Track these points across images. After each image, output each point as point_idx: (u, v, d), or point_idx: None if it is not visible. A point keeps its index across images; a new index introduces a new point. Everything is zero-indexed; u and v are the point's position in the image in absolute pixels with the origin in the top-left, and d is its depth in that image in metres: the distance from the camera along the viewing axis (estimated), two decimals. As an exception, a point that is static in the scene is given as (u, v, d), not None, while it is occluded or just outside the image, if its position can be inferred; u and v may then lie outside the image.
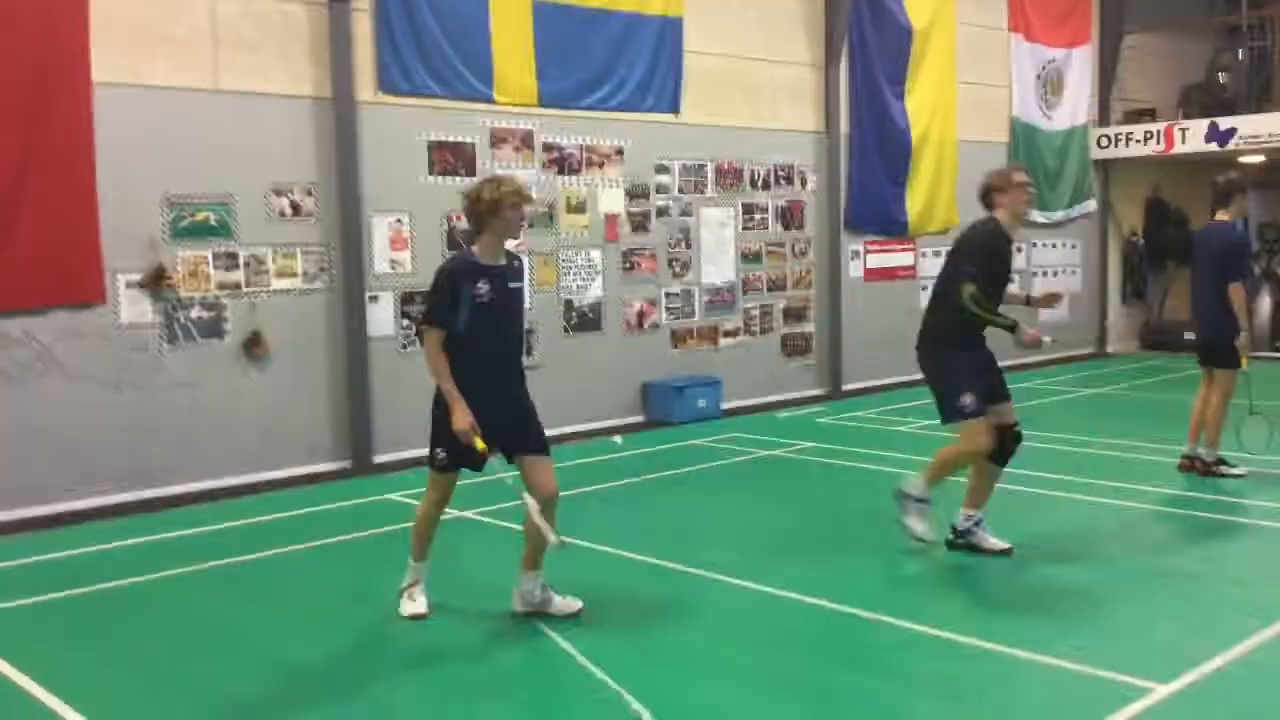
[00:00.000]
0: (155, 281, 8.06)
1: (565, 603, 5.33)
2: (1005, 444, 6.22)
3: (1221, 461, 8.05)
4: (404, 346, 9.30)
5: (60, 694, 4.56)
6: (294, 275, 8.78)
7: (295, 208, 8.76)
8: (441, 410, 5.12)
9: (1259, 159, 15.89)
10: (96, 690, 4.66)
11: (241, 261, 8.52)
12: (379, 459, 9.07)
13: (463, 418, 4.97)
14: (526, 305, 9.97)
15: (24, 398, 7.60)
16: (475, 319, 5.05)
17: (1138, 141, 15.48)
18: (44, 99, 7.55)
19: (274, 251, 8.66)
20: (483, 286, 5.07)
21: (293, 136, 8.74)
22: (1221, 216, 8.15)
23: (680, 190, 11.30)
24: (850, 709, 4.36)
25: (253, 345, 8.54)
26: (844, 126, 12.64)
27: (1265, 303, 15.95)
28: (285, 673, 4.83)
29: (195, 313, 8.31)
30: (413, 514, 7.03)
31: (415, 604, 5.40)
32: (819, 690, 4.53)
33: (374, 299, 9.16)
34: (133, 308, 8.02)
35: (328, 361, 8.97)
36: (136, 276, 8.02)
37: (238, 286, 8.50)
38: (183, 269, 8.23)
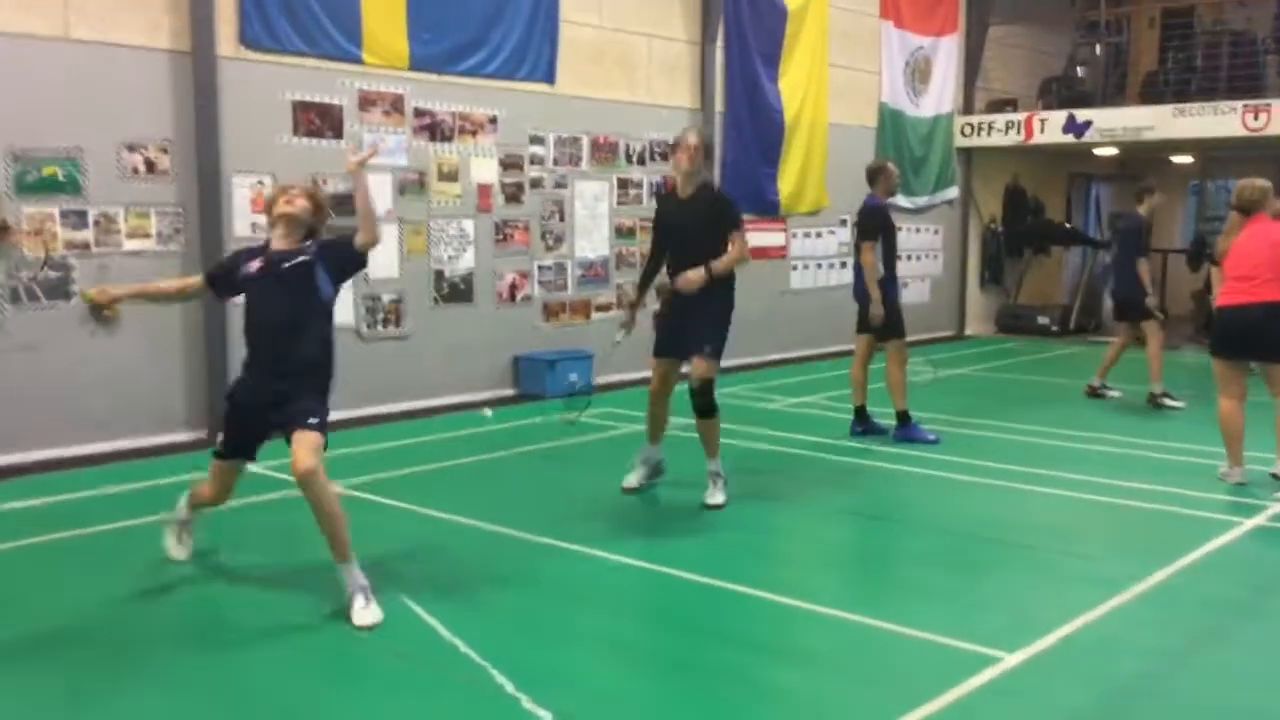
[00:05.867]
0: (-5, 239, 7.61)
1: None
2: (692, 397, 6.84)
3: (1167, 394, 10.13)
4: (265, 313, 8.97)
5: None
6: (147, 236, 8.39)
7: (150, 165, 8.36)
8: None
9: (1112, 151, 16.62)
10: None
11: (91, 220, 8.09)
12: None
13: None
14: (396, 275, 9.85)
15: None
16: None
17: (999, 130, 15.98)
18: None
19: (126, 210, 8.26)
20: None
21: (148, 90, 8.33)
22: (1139, 210, 10.53)
23: (555, 162, 11.20)
24: (710, 679, 4.39)
25: (102, 308, 8.12)
26: (719, 104, 12.70)
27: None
28: (132, 648, 4.62)
29: (40, 272, 7.87)
30: (271, 485, 6.91)
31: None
32: (681, 661, 4.56)
33: (234, 263, 8.82)
34: (-31, 266, 7.56)
35: (182, 327, 8.61)
36: (-26, 233, 7.55)
37: (86, 246, 8.08)
38: (27, 226, 7.77)
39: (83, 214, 8.05)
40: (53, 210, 7.90)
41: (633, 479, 7.17)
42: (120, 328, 8.23)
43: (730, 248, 6.72)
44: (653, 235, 7.16)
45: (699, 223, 6.75)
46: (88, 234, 8.08)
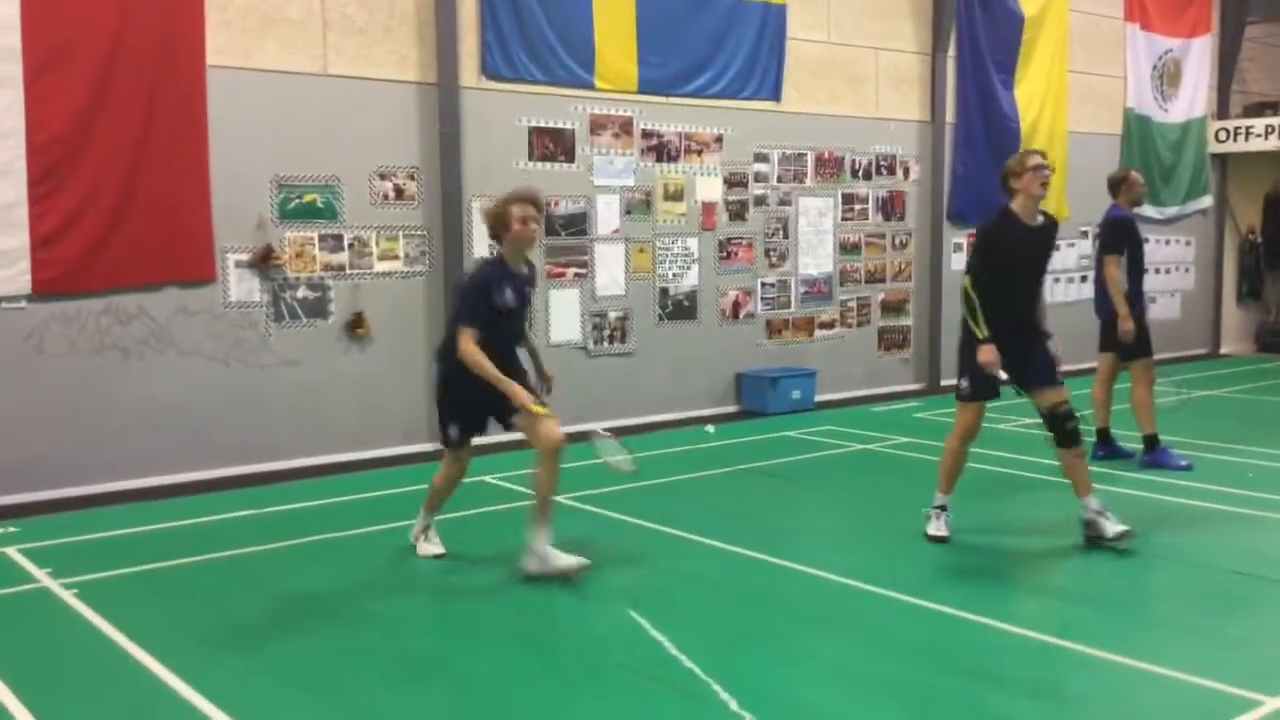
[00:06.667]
0: (263, 261, 8.27)
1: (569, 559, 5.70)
2: (1054, 426, 6.18)
3: None
4: (501, 330, 9.37)
5: (166, 662, 4.71)
6: (396, 258, 8.92)
7: (398, 191, 8.89)
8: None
9: (1390, 154, 15.17)
10: (200, 659, 4.79)
11: (346, 243, 8.68)
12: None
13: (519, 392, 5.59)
14: (623, 292, 10.07)
15: (140, 372, 7.87)
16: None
17: (1258, 135, 14.88)
18: (161, 82, 7.80)
19: (377, 234, 8.81)
20: (509, 290, 5.74)
21: (398, 120, 8.87)
22: None
23: (779, 179, 11.20)
24: (950, 712, 4.26)
25: (355, 326, 8.71)
26: (950, 116, 12.38)
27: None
28: (382, 648, 4.90)
29: (301, 293, 8.50)
30: (506, 495, 7.16)
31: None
32: (916, 691, 4.44)
33: (472, 283, 9.25)
34: (241, 286, 8.24)
35: (426, 344, 9.07)
36: (245, 256, 8.23)
37: (342, 268, 8.67)
38: (290, 249, 8.42)
39: (339, 238, 8.64)
40: (312, 235, 8.52)
41: (942, 527, 6.46)
42: (371, 343, 8.78)
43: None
44: (988, 261, 6.20)
45: (1045, 254, 6.36)
46: (343, 256, 8.66)
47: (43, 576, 5.86)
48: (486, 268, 5.82)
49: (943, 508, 6.49)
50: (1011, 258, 6.18)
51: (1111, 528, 6.11)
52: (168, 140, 7.83)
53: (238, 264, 8.22)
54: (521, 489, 7.69)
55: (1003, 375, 6.16)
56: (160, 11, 7.75)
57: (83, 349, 7.68)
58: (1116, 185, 8.45)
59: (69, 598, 5.53)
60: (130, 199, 7.72)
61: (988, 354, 6.08)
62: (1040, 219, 6.31)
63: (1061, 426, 6.16)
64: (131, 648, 4.86)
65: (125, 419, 7.83)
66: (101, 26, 7.54)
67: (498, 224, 5.71)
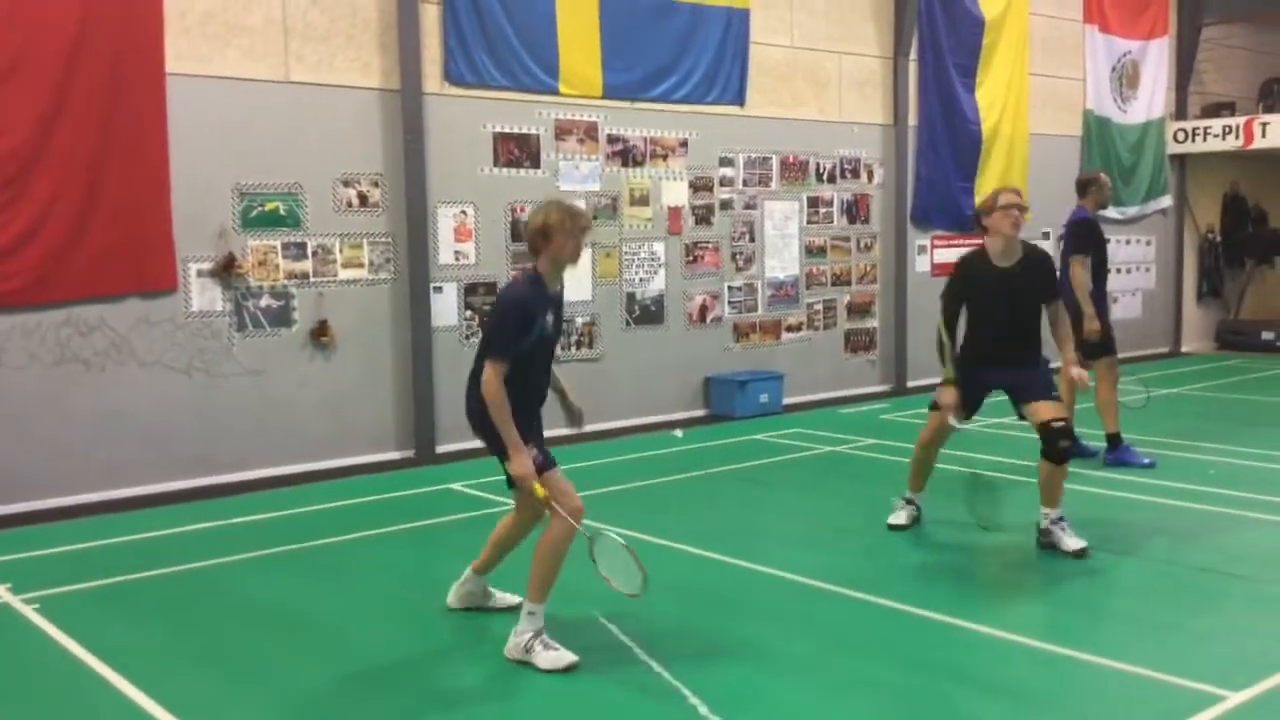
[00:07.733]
0: (225, 270, 8.19)
1: (504, 596, 5.33)
2: (1047, 441, 6.08)
3: None
4: (467, 337, 9.35)
5: (129, 676, 4.65)
6: (360, 265, 8.86)
7: (362, 198, 8.84)
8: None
9: (1344, 154, 15.41)
10: (164, 673, 4.74)
11: (310, 251, 8.62)
12: (442, 449, 9.13)
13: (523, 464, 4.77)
14: (589, 298, 10.07)
15: (101, 384, 7.76)
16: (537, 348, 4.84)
17: (1216, 136, 15.08)
18: (120, 90, 7.70)
19: (341, 242, 8.75)
20: (550, 316, 4.84)
21: (360, 127, 8.82)
22: None
23: (744, 183, 11.23)
24: (917, 710, 4.29)
25: (320, 334, 8.64)
26: (912, 119, 12.47)
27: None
28: (350, 659, 4.87)
29: (264, 301, 8.42)
30: (474, 504, 7.14)
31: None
32: (883, 690, 4.46)
33: (438, 289, 9.22)
34: (203, 296, 8.16)
35: (392, 351, 9.05)
36: (207, 265, 8.15)
37: (306, 276, 8.61)
38: (252, 258, 8.35)
39: (302, 246, 8.58)
40: (275, 243, 8.45)
41: (902, 516, 6.73)
42: (336, 352, 8.72)
43: (1059, 322, 6.35)
44: (954, 300, 6.34)
45: (1026, 294, 6.17)
46: (307, 264, 8.60)
47: (3, 592, 5.77)
48: (526, 287, 4.82)
49: (909, 500, 6.79)
50: (979, 297, 6.24)
51: (1071, 541, 6.10)
52: (127, 149, 7.74)
53: (199, 273, 8.13)
54: (489, 495, 7.66)
55: (959, 426, 6.32)
56: (118, 19, 7.66)
57: (43, 360, 7.58)
58: (1086, 186, 8.54)
59: (30, 613, 5.45)
60: (90, 209, 7.63)
61: (946, 395, 6.22)
62: (1019, 256, 6.17)
63: (1054, 444, 6.05)
64: (95, 663, 4.80)
65: (87, 431, 7.73)
66: (59, 35, 7.45)
67: (539, 236, 4.77)
